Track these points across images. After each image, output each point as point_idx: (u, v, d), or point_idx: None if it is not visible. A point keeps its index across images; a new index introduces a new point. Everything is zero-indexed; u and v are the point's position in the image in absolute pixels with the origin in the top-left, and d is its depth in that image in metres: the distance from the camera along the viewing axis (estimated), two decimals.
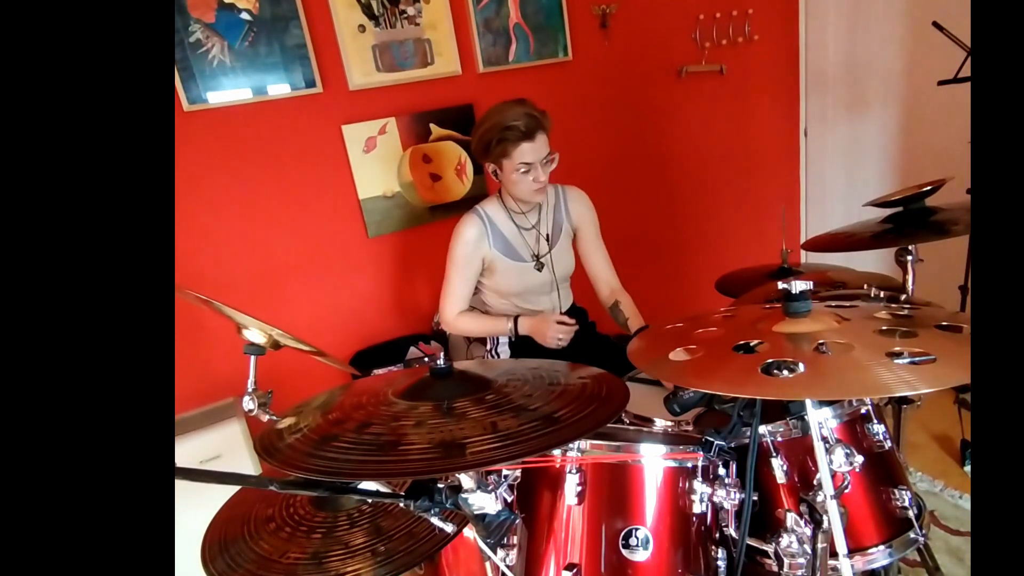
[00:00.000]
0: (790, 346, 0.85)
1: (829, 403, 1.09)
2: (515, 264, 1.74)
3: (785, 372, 0.79)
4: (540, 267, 1.77)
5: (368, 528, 1.02)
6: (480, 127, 1.62)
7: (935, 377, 0.71)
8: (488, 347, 1.88)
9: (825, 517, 0.85)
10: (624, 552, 0.97)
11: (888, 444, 1.13)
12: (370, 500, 1.02)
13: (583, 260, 1.88)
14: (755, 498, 1.01)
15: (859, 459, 0.84)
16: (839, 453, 0.82)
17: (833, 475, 0.84)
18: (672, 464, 1.00)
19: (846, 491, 0.87)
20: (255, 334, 1.14)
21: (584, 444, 1.01)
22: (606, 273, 1.86)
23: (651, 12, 2.63)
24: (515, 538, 0.99)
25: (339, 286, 2.20)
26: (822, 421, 0.89)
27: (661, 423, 1.19)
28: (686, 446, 1.01)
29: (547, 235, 1.78)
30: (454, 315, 1.77)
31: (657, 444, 1.01)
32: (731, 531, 1.00)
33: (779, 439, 1.08)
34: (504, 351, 1.85)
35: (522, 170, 1.59)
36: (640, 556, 0.97)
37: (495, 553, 0.85)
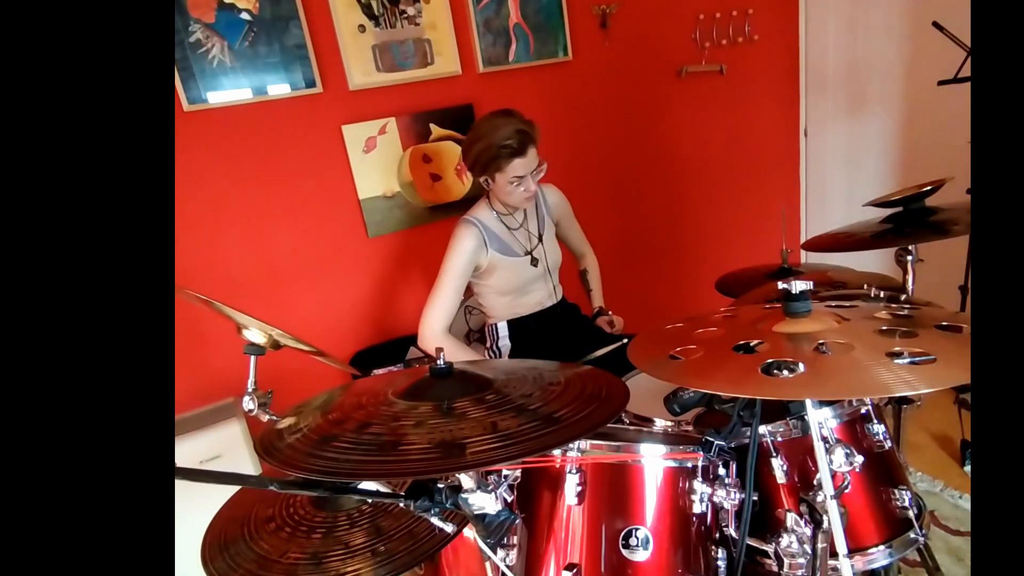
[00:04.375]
0: (790, 346, 0.85)
1: (829, 403, 1.09)
2: (513, 260, 1.79)
3: (785, 372, 0.79)
4: (535, 262, 1.83)
5: (368, 528, 1.02)
6: (473, 144, 1.64)
7: (935, 377, 0.71)
8: (488, 344, 1.90)
9: (825, 517, 0.85)
10: (624, 552, 0.97)
11: (888, 444, 1.13)
12: (370, 500, 1.02)
13: (564, 240, 2.02)
14: (755, 498, 1.01)
15: (859, 459, 0.83)
16: (839, 453, 0.82)
17: (833, 475, 0.84)
18: (672, 464, 1.00)
19: (846, 491, 0.87)
20: (255, 334, 1.14)
21: (584, 444, 1.01)
22: (581, 246, 2.09)
23: (651, 12, 2.63)
24: (515, 538, 0.98)
25: (339, 286, 2.20)
26: (822, 421, 0.88)
27: (661, 423, 1.19)
28: (686, 446, 1.01)
29: (539, 233, 1.86)
30: (440, 330, 1.70)
31: (657, 444, 1.01)
32: (731, 531, 1.00)
33: (779, 439, 1.08)
34: (505, 344, 1.86)
35: (515, 183, 1.65)
36: (640, 556, 0.97)
37: (495, 553, 0.85)
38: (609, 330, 1.92)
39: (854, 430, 1.12)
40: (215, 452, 1.78)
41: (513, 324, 1.87)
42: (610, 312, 2.00)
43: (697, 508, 0.99)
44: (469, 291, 1.86)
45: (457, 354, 1.70)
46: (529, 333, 1.87)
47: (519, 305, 1.86)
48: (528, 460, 0.72)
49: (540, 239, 1.85)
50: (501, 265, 1.77)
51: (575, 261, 2.09)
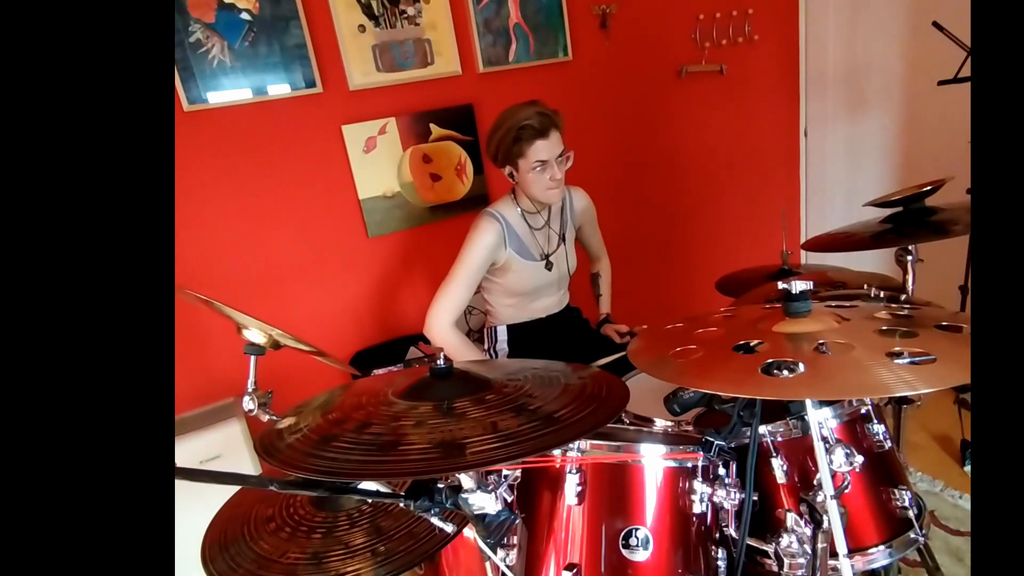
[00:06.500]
0: (790, 346, 0.85)
1: (829, 403, 1.09)
2: (528, 263, 1.75)
3: (785, 372, 0.79)
4: (550, 266, 1.79)
5: (368, 528, 1.02)
6: (495, 132, 1.62)
7: (935, 377, 0.71)
8: (487, 346, 1.89)
9: (825, 517, 0.85)
10: (624, 552, 0.97)
11: (888, 444, 1.13)
12: (370, 500, 1.02)
13: (583, 243, 2.00)
14: (755, 498, 1.01)
15: (859, 459, 0.83)
16: (839, 453, 0.82)
17: (833, 475, 0.84)
18: (672, 464, 1.00)
19: (846, 491, 0.87)
20: (255, 334, 1.14)
21: (584, 444, 1.01)
22: (599, 250, 2.07)
23: (651, 12, 2.63)
24: (515, 538, 0.98)
25: (339, 286, 2.20)
26: (822, 421, 0.89)
27: (661, 423, 1.19)
28: (686, 446, 1.01)
29: (561, 235, 1.82)
30: (448, 324, 1.64)
31: (657, 444, 1.01)
32: (731, 531, 1.00)
33: (779, 439, 1.08)
34: (503, 349, 1.86)
35: (538, 168, 1.60)
36: (640, 556, 0.97)
37: (495, 553, 0.85)
38: (619, 340, 1.88)
39: (854, 430, 1.12)
40: (215, 452, 1.78)
41: (514, 329, 1.85)
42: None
43: (697, 508, 0.99)
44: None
45: (462, 351, 1.66)
46: (530, 339, 1.85)
47: (525, 310, 1.84)
48: (528, 460, 0.72)
49: (562, 240, 1.82)
50: (516, 266, 1.73)
51: (589, 264, 2.08)
